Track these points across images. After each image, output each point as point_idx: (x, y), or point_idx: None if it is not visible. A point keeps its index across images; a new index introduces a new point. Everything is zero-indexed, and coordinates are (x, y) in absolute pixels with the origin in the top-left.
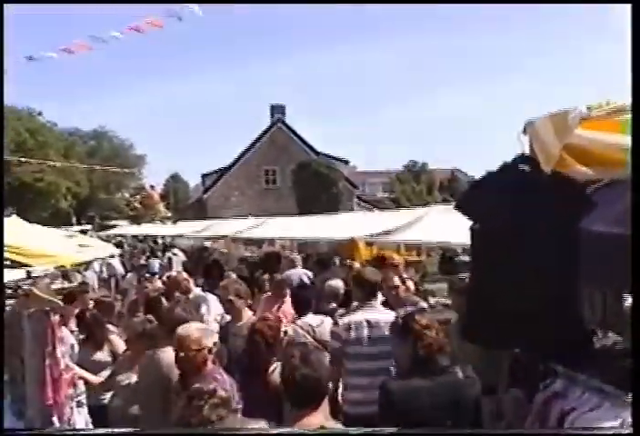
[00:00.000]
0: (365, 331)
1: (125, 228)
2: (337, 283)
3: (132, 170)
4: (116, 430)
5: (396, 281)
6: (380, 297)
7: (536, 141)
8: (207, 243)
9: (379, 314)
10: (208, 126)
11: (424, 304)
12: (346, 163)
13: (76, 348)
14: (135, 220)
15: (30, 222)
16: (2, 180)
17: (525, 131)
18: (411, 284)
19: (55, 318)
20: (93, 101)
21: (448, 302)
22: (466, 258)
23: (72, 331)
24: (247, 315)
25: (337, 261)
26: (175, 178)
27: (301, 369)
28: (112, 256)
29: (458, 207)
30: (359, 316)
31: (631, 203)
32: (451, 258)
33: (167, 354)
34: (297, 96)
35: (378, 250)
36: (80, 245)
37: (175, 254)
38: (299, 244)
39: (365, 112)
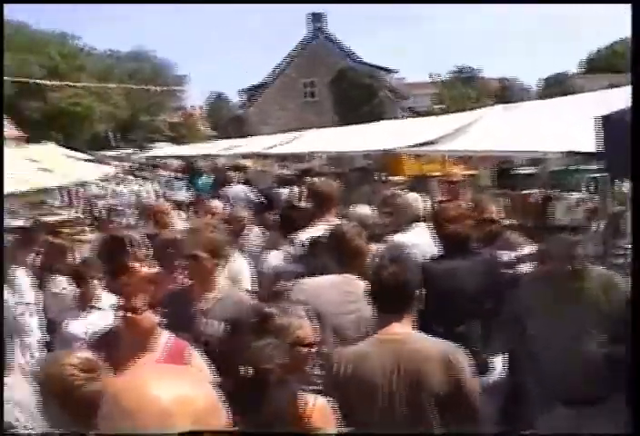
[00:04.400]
0: None
1: (161, 149)
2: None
3: (171, 88)
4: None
5: (492, 211)
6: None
7: None
8: (245, 161)
9: None
10: (247, 41)
11: (527, 249)
12: (391, 72)
13: None
14: (176, 140)
15: (70, 148)
16: (2, 180)
17: None
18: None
19: None
20: (132, 22)
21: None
22: (527, 170)
23: None
24: None
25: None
26: (217, 97)
27: (389, 268)
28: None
29: None
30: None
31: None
32: (509, 170)
33: None
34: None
35: (422, 163)
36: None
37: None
38: (333, 159)
39: (411, 22)
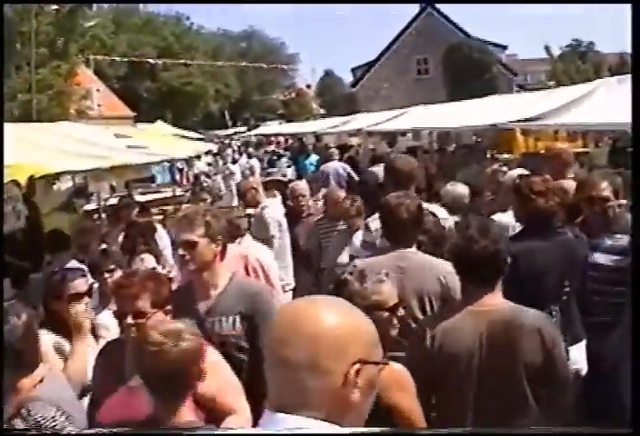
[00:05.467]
0: None
1: (269, 127)
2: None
3: (283, 66)
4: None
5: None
6: None
7: None
8: (353, 140)
9: None
10: (358, 19)
11: None
12: (504, 47)
13: None
14: (287, 119)
15: (181, 127)
16: (1, 179)
17: None
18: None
19: None
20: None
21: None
22: None
23: None
24: None
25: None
26: (328, 75)
27: (480, 241)
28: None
29: None
30: None
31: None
32: (624, 149)
33: None
34: None
35: (535, 140)
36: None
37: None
38: (441, 136)
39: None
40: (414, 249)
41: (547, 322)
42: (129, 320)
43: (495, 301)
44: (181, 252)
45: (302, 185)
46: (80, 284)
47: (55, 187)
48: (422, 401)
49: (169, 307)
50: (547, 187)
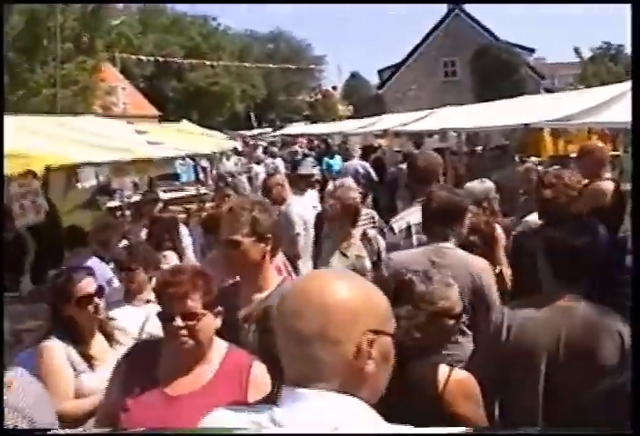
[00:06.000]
0: None
1: (294, 127)
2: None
3: (310, 67)
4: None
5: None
6: None
7: None
8: (379, 141)
9: None
10: (385, 20)
11: None
12: (531, 51)
13: None
14: (313, 120)
15: (207, 127)
16: (2, 178)
17: None
18: None
19: None
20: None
21: None
22: None
23: None
24: None
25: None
26: (354, 76)
27: (581, 237)
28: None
29: None
30: None
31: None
32: None
33: None
34: None
35: (566, 142)
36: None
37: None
38: (470, 137)
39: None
40: (450, 244)
41: (624, 324)
42: (178, 321)
43: (576, 298)
44: (224, 251)
45: (347, 184)
46: (87, 285)
47: (78, 185)
48: (486, 403)
49: (219, 308)
50: (559, 180)
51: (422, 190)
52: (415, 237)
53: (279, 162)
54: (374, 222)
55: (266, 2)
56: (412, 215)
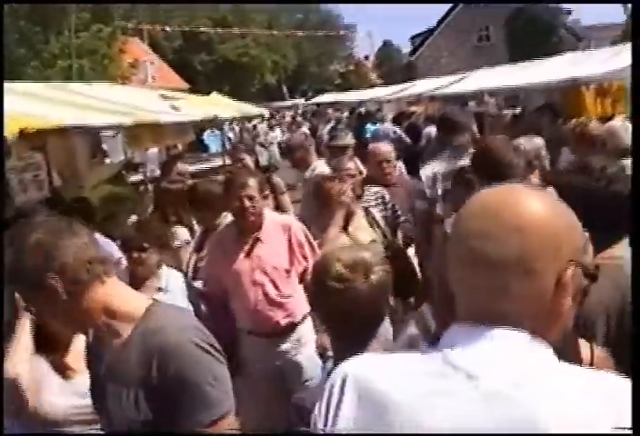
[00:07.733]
0: None
1: (327, 96)
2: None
3: (340, 34)
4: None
5: None
6: None
7: None
8: (413, 108)
9: None
10: None
11: None
12: (568, 12)
13: None
14: (345, 90)
15: (238, 100)
16: (2, 177)
17: None
18: None
19: None
20: None
21: None
22: None
23: None
24: None
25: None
26: (386, 45)
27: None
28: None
29: None
30: None
31: (631, 203)
32: None
33: None
34: None
35: (613, 101)
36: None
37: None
38: (508, 98)
39: None
40: None
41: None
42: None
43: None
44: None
45: (384, 148)
46: None
47: (107, 161)
48: None
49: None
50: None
51: (450, 140)
52: (440, 185)
53: (305, 129)
54: (384, 204)
55: None
56: (439, 165)
